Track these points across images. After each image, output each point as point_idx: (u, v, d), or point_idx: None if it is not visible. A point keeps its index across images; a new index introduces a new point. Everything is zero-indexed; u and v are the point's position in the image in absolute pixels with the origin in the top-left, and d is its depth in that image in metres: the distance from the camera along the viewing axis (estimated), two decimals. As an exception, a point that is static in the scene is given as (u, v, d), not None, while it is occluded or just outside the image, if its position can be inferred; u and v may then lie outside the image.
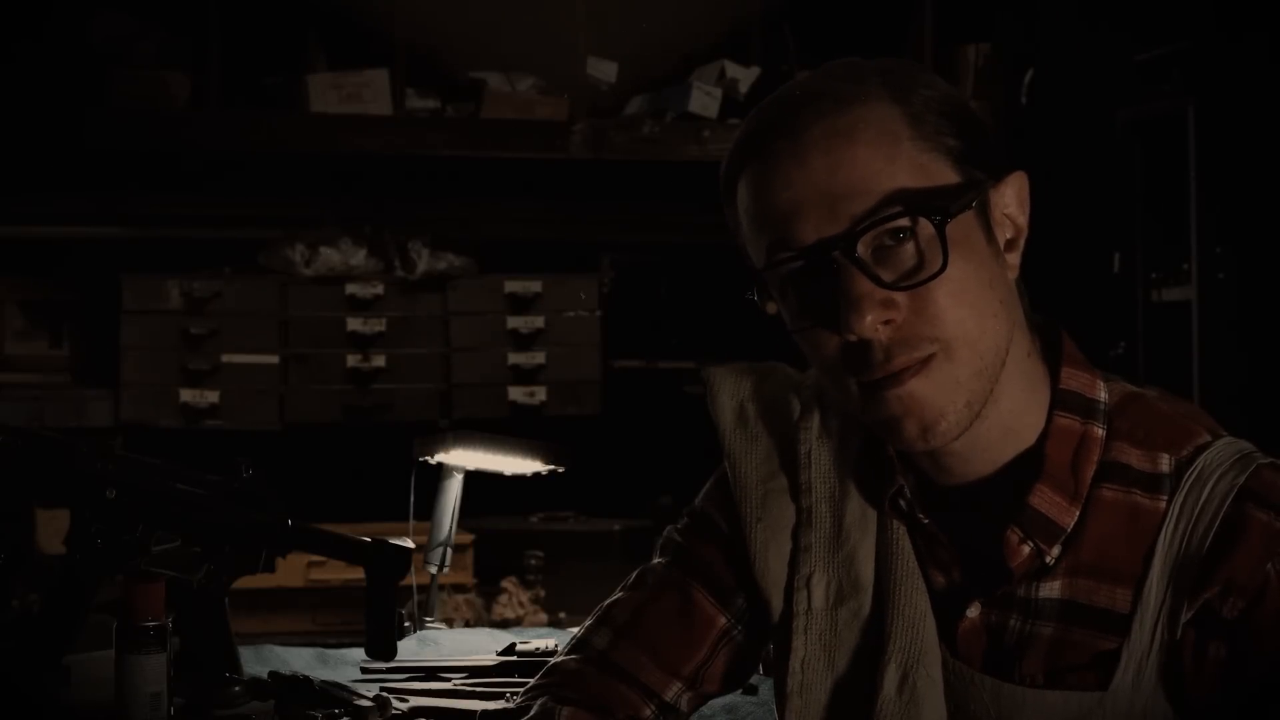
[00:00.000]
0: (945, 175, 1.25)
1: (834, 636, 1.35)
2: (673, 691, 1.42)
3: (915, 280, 1.22)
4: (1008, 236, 1.29)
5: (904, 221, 1.22)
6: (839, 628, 1.34)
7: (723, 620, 1.43)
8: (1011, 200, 1.30)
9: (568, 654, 1.46)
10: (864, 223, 1.22)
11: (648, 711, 1.42)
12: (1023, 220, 1.30)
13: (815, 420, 1.40)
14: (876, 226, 1.22)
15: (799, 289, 1.26)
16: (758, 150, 1.27)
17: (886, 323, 1.22)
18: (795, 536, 1.38)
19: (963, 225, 1.24)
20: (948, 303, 1.23)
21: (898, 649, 1.30)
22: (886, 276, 1.23)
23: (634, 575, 1.48)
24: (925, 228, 1.22)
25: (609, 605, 1.47)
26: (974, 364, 1.24)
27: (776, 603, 1.38)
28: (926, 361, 1.23)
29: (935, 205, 1.22)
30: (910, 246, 1.23)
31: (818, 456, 1.38)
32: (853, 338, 1.23)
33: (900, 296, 1.22)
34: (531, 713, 1.40)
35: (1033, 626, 1.28)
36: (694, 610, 1.43)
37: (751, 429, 1.42)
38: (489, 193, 4.84)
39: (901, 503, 1.33)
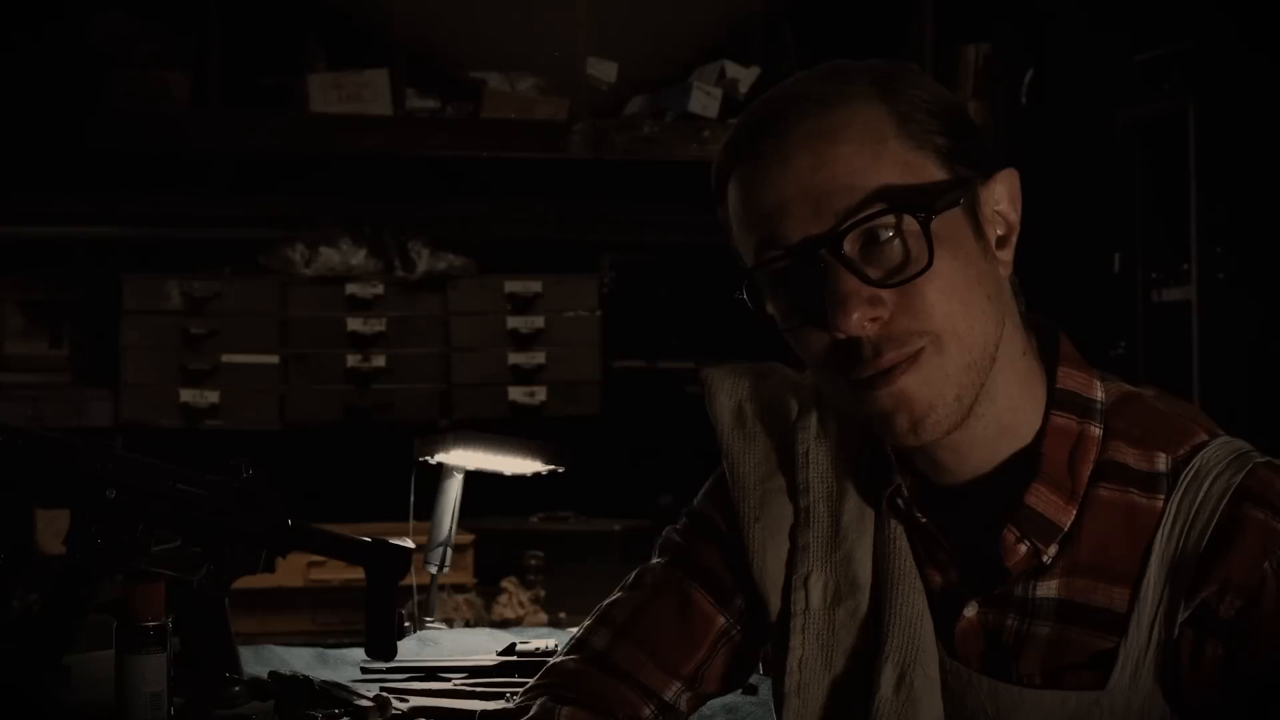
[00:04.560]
0: (932, 173, 1.25)
1: (831, 636, 1.35)
2: (672, 691, 1.42)
3: (902, 277, 1.22)
4: (999, 233, 1.29)
5: (889, 219, 1.22)
6: (836, 627, 1.35)
7: (721, 620, 1.43)
8: (1002, 197, 1.30)
9: (567, 654, 1.46)
10: (849, 220, 1.22)
11: (647, 711, 1.42)
12: (1014, 217, 1.30)
13: (813, 420, 1.40)
14: (862, 224, 1.22)
15: (788, 288, 1.26)
16: (744, 152, 1.28)
17: (874, 320, 1.23)
18: (793, 536, 1.38)
19: (949, 222, 1.24)
20: (936, 298, 1.23)
21: (895, 648, 1.30)
22: (873, 274, 1.23)
23: (633, 575, 1.48)
24: (911, 225, 1.22)
25: (608, 605, 1.47)
26: (962, 357, 1.24)
27: (775, 602, 1.38)
28: (915, 356, 1.23)
29: (920, 202, 1.22)
30: (896, 244, 1.23)
31: (815, 456, 1.39)
32: (841, 335, 1.23)
33: (887, 294, 1.22)
34: (531, 713, 1.40)
35: (1030, 626, 1.28)
36: (693, 610, 1.43)
37: (749, 429, 1.42)
38: (489, 193, 4.84)
39: (899, 502, 1.33)
